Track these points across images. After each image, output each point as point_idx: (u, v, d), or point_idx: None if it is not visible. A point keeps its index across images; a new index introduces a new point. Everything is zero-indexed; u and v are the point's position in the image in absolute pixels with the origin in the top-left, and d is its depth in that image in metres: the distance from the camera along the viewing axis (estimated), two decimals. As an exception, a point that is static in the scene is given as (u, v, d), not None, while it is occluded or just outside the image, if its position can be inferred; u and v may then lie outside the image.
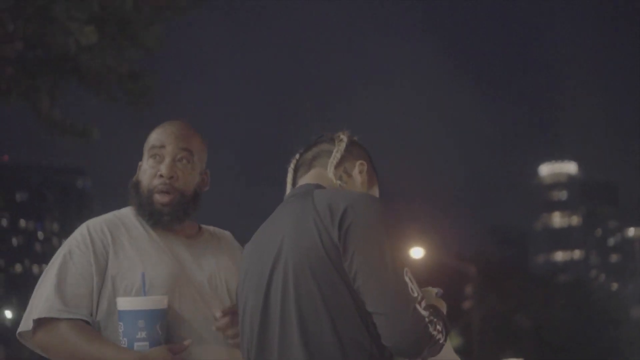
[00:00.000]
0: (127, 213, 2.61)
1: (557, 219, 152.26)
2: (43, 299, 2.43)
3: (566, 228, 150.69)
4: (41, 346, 2.44)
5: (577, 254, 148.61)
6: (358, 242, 1.95)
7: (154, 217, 2.51)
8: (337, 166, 2.24)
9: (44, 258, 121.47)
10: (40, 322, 2.41)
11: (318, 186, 2.18)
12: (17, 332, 2.47)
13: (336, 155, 2.24)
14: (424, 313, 1.92)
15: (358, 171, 2.26)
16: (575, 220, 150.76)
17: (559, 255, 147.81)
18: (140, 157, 2.62)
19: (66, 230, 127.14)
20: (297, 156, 2.34)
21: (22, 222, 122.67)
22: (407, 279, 1.93)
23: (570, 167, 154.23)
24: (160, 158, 2.53)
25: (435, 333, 1.93)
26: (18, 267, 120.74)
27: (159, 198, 2.51)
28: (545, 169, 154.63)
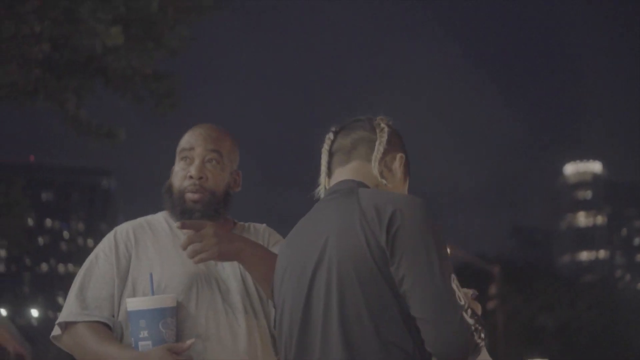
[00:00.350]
0: (158, 217, 2.67)
1: (582, 219, 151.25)
2: (66, 304, 2.53)
3: (591, 228, 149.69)
4: (67, 347, 2.54)
5: (602, 253, 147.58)
6: (406, 247, 1.91)
7: (185, 215, 2.54)
8: (379, 160, 2.18)
9: (70, 257, 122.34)
10: (65, 326, 2.51)
11: (361, 184, 2.13)
12: (51, 336, 2.55)
13: (379, 148, 2.17)
14: (470, 321, 1.90)
15: (398, 165, 2.21)
16: (600, 219, 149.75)
17: (584, 255, 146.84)
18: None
19: (91, 230, 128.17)
20: (332, 136, 2.24)
21: (48, 222, 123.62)
22: (454, 286, 1.90)
23: (595, 167, 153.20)
24: (190, 160, 2.58)
25: (479, 341, 1.92)
26: (44, 266, 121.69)
27: (190, 196, 2.55)
28: (570, 169, 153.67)
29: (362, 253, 1.93)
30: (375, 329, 1.90)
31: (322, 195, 2.23)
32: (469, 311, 1.92)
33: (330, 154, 2.22)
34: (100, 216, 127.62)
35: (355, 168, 2.17)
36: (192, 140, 2.60)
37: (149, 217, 2.68)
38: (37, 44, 9.70)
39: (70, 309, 2.49)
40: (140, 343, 2.33)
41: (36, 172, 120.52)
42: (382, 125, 2.21)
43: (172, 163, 2.68)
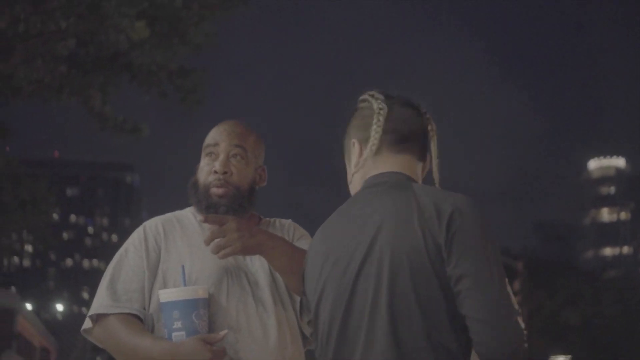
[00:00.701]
0: (186, 212, 2.70)
1: (606, 214, 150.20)
2: (97, 297, 2.54)
3: (615, 223, 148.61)
4: (98, 340, 2.55)
5: (625, 249, 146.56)
6: (466, 247, 1.89)
7: (210, 210, 2.57)
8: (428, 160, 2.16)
9: (94, 252, 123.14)
10: (96, 318, 2.52)
11: (410, 178, 2.09)
12: (81, 330, 2.58)
13: (434, 150, 2.15)
14: (523, 325, 1.90)
15: (435, 164, 2.18)
16: (623, 215, 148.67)
17: (608, 251, 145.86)
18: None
19: (115, 225, 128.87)
20: (385, 108, 2.11)
21: (73, 217, 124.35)
22: (509, 290, 1.91)
23: (618, 162, 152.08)
24: (215, 155, 2.61)
25: (526, 346, 1.90)
26: (69, 261, 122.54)
27: (215, 191, 2.58)
28: (594, 164, 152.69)
29: (419, 249, 1.90)
30: (425, 328, 1.88)
31: (355, 166, 2.16)
32: (521, 316, 1.92)
33: (383, 130, 2.09)
34: (124, 212, 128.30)
35: (408, 161, 2.11)
36: (216, 136, 2.63)
37: (177, 213, 2.71)
38: (62, 40, 9.78)
39: (101, 301, 2.51)
40: (174, 334, 2.35)
41: (61, 167, 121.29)
42: (432, 124, 2.16)
43: (196, 158, 2.71)
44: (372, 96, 2.14)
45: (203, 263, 2.51)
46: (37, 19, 9.32)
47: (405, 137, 2.10)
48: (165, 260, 2.55)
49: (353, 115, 2.19)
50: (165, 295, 2.39)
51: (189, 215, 2.68)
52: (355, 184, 2.17)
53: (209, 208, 2.57)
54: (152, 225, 2.63)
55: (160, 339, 2.40)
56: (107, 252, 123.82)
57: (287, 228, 2.72)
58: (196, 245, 2.56)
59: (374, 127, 2.09)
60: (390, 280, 1.91)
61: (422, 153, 2.14)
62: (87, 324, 2.55)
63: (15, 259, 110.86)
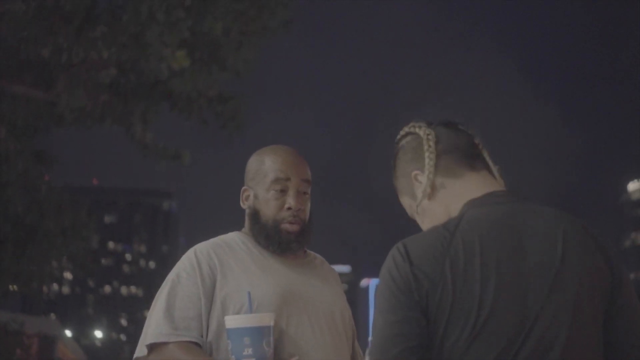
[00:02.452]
0: (233, 237, 2.70)
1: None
2: (154, 324, 2.52)
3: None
4: None
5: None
6: (626, 277, 1.94)
7: (282, 246, 2.60)
8: None
9: (132, 279, 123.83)
10: (152, 347, 2.51)
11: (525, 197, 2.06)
12: (134, 358, 2.57)
13: (490, 161, 2.10)
14: None
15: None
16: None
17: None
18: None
19: (153, 252, 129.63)
20: (432, 132, 2.08)
21: (111, 244, 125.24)
22: None
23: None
24: (285, 190, 2.62)
25: None
26: (107, 288, 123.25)
27: (288, 227, 2.60)
28: (633, 186, 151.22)
29: (604, 280, 1.89)
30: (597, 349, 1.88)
31: (423, 195, 2.05)
32: None
33: (437, 154, 2.05)
34: (162, 238, 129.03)
35: (491, 177, 2.06)
36: (287, 170, 2.63)
37: (224, 238, 2.70)
38: (104, 69, 9.90)
39: (160, 329, 2.49)
40: None
41: (99, 194, 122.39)
42: (477, 139, 2.11)
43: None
44: (414, 127, 2.10)
45: (263, 289, 2.52)
46: (80, 48, 9.43)
47: (469, 152, 2.06)
48: (222, 286, 2.54)
49: (397, 156, 2.12)
50: (235, 321, 2.39)
51: (237, 240, 2.68)
52: (431, 212, 2.06)
53: (281, 244, 2.60)
54: (204, 250, 2.62)
55: None
56: (144, 278, 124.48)
57: (325, 263, 2.79)
58: (252, 271, 2.57)
59: (427, 152, 2.04)
60: (588, 313, 1.86)
61: (489, 166, 2.08)
62: (141, 352, 2.54)
63: (55, 286, 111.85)
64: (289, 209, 2.60)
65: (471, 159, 2.05)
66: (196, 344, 2.48)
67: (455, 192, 2.03)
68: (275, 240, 2.60)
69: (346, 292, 2.89)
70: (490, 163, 2.09)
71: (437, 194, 2.05)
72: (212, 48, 10.01)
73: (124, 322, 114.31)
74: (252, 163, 2.70)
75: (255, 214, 2.64)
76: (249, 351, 2.35)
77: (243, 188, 2.71)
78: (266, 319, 2.40)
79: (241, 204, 2.72)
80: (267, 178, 2.63)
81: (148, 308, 2.66)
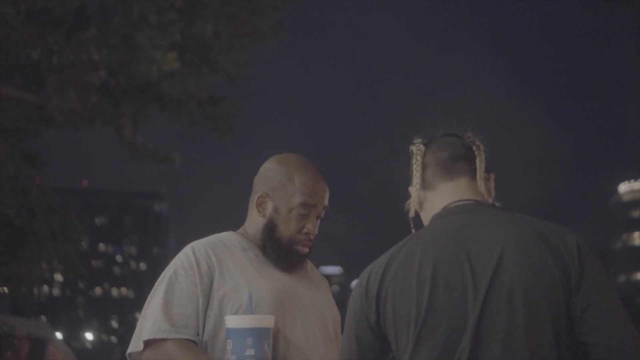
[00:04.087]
0: (229, 237, 2.70)
1: (637, 239, 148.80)
2: (152, 320, 2.50)
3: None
4: None
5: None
6: (593, 279, 1.94)
7: (292, 264, 2.65)
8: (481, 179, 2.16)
9: (123, 281, 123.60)
10: (148, 343, 2.49)
11: (493, 205, 2.12)
12: (127, 353, 2.55)
13: (482, 166, 2.15)
14: None
15: (492, 184, 2.21)
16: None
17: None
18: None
19: (144, 254, 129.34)
20: (422, 147, 2.18)
21: (102, 246, 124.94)
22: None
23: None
24: (307, 215, 2.64)
25: None
26: (97, 290, 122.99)
27: (301, 250, 2.65)
28: (624, 187, 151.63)
29: (554, 281, 1.91)
30: (559, 357, 1.89)
31: (412, 209, 2.17)
32: None
33: (423, 166, 2.16)
34: (152, 240, 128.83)
35: (469, 185, 2.12)
36: (315, 197, 2.65)
37: (220, 237, 2.70)
38: (94, 70, 9.89)
39: (158, 325, 2.47)
40: None
41: (89, 196, 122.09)
42: (477, 142, 2.18)
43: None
44: (413, 143, 2.21)
45: (262, 292, 2.53)
46: (70, 51, 9.42)
47: (448, 163, 2.13)
48: (220, 286, 2.54)
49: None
50: (238, 321, 2.40)
51: (233, 240, 2.68)
52: (425, 223, 2.18)
53: (292, 263, 2.65)
54: (201, 249, 2.61)
55: None
56: (135, 280, 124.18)
57: (314, 268, 2.83)
58: (250, 272, 2.58)
59: (413, 165, 2.16)
60: (526, 311, 1.89)
61: (474, 173, 2.14)
62: (136, 347, 2.51)
63: (45, 288, 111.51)
64: (307, 233, 2.64)
65: (449, 169, 2.14)
66: (193, 342, 2.48)
67: (434, 204, 2.15)
68: (287, 259, 2.63)
69: (337, 294, 2.93)
70: (480, 169, 2.14)
71: (424, 207, 2.18)
72: (202, 50, 10.01)
73: (114, 324, 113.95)
74: (277, 174, 2.67)
75: (272, 228, 2.65)
76: (251, 352, 2.36)
77: (259, 194, 2.67)
78: (268, 321, 2.42)
79: (255, 209, 2.69)
80: (294, 198, 2.63)
81: (139, 310, 2.65)
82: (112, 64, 9.77)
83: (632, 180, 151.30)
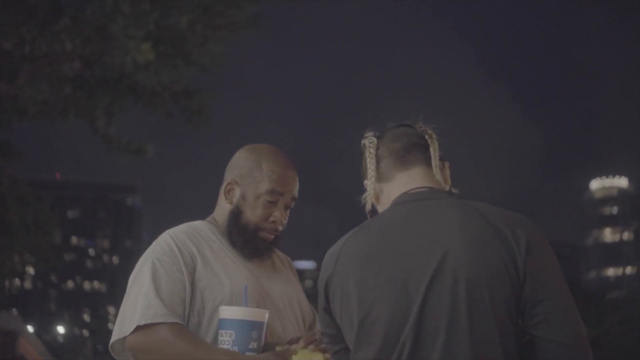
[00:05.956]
0: (202, 227, 2.66)
1: (608, 235, 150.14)
2: (145, 304, 2.42)
3: (618, 243, 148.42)
4: (143, 350, 2.41)
5: (629, 269, 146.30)
6: (544, 273, 1.90)
7: (258, 252, 2.61)
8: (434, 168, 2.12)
9: (95, 274, 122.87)
10: (137, 328, 2.40)
11: (451, 193, 2.10)
12: (112, 341, 2.47)
13: (436, 155, 2.11)
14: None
15: (448, 172, 2.17)
16: (626, 235, 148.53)
17: (611, 271, 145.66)
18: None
19: (116, 247, 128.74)
20: (374, 140, 2.16)
21: (74, 239, 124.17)
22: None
23: (621, 182, 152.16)
24: (274, 202, 2.60)
25: None
26: (70, 284, 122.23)
27: (265, 236, 2.61)
28: (596, 184, 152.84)
29: (499, 272, 1.87)
30: (505, 354, 1.86)
31: (369, 202, 2.14)
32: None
33: (377, 159, 2.14)
34: (125, 233, 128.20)
35: (424, 173, 2.11)
36: (283, 184, 2.61)
37: (193, 225, 2.65)
38: (68, 61, 9.81)
39: (154, 309, 2.39)
40: (248, 353, 2.35)
41: (62, 189, 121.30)
42: (430, 132, 2.16)
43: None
44: (365, 137, 2.19)
45: (240, 283, 2.50)
46: (43, 41, 9.33)
47: (402, 153, 2.13)
48: (201, 277, 2.50)
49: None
50: (245, 313, 2.38)
51: (206, 230, 2.63)
52: None
53: (257, 250, 2.61)
54: (180, 237, 2.56)
55: (237, 353, 2.35)
56: (108, 274, 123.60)
57: (283, 256, 2.81)
58: (227, 264, 2.55)
59: (367, 159, 2.14)
60: (469, 302, 1.86)
61: (429, 161, 2.12)
62: (122, 333, 2.42)
63: (17, 280, 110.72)
64: (274, 222, 2.60)
65: (403, 159, 2.13)
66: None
67: (391, 195, 2.12)
68: (253, 246, 2.59)
69: (311, 288, 2.91)
70: (435, 157, 2.12)
71: (380, 199, 2.17)
72: (177, 42, 9.95)
73: (86, 317, 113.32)
74: (246, 161, 2.64)
75: (238, 214, 2.61)
76: (254, 345, 2.36)
77: (228, 181, 2.65)
78: (266, 316, 2.42)
79: (223, 197, 2.66)
80: (261, 185, 2.60)
81: (111, 303, 2.59)
82: (85, 54, 9.70)
83: (604, 177, 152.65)
